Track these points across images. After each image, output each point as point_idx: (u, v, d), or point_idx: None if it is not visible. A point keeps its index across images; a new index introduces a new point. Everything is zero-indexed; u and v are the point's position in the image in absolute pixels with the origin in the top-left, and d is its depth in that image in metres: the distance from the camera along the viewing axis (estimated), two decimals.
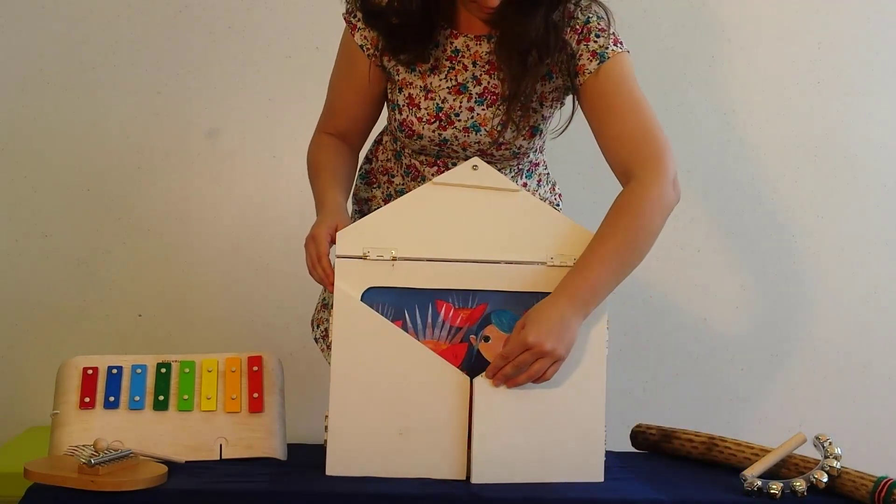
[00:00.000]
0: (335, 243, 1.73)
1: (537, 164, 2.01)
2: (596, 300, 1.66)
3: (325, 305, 2.03)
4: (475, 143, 1.89)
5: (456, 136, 1.89)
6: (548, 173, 2.06)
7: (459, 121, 1.88)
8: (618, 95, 1.81)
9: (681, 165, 2.74)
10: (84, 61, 2.65)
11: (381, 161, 2.03)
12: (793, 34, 2.74)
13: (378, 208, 2.03)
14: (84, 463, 1.54)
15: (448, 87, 1.88)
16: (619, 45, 1.83)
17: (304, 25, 2.66)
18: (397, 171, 2.00)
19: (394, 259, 1.69)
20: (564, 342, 1.61)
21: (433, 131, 1.88)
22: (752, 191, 2.76)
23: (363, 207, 2.07)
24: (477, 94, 1.87)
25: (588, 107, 1.84)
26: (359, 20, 1.89)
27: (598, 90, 1.81)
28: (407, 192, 1.97)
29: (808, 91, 2.75)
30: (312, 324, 2.04)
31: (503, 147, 1.88)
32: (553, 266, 1.70)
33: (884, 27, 2.75)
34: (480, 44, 1.87)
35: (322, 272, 1.72)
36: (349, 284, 1.67)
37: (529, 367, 1.61)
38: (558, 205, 2.07)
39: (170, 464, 1.65)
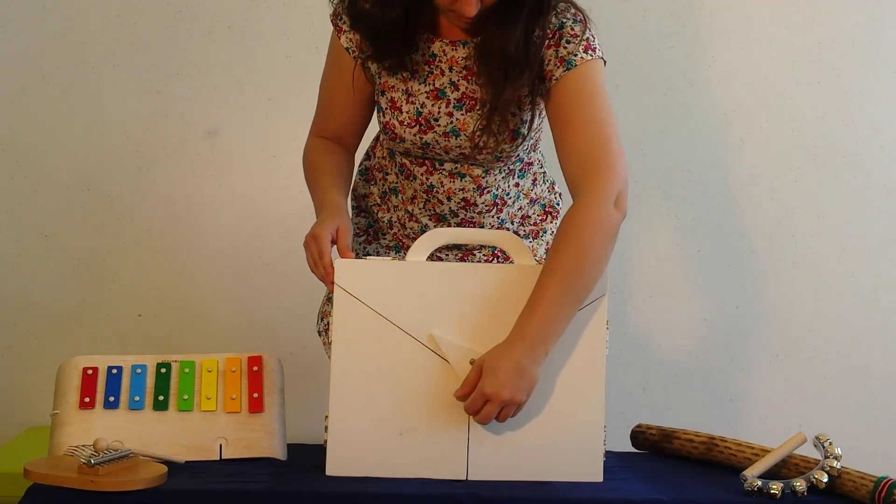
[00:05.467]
0: (335, 244, 1.73)
1: (531, 164, 1.99)
2: (551, 337, 1.61)
3: (330, 299, 2.02)
4: (456, 147, 1.87)
5: (437, 140, 1.87)
6: (544, 172, 2.04)
7: (439, 125, 1.86)
8: (576, 106, 1.75)
9: (681, 165, 2.79)
10: (84, 61, 2.65)
11: (378, 158, 2.03)
12: (793, 34, 2.74)
13: (374, 204, 2.03)
14: (84, 463, 1.54)
15: (426, 92, 1.86)
16: (590, 52, 1.77)
17: (304, 25, 2.66)
18: (391, 169, 2.00)
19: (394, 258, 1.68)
20: (522, 388, 1.60)
21: (414, 135, 1.87)
22: (753, 191, 2.76)
23: (361, 203, 2.07)
24: (455, 99, 1.86)
25: (550, 115, 1.80)
26: (345, 23, 1.89)
27: (559, 99, 1.77)
28: (400, 190, 1.97)
29: (808, 91, 2.75)
30: (318, 315, 2.04)
31: (485, 151, 1.87)
32: None
33: (884, 27, 2.75)
34: (456, 49, 1.85)
35: (323, 271, 1.71)
36: (349, 284, 1.67)
37: (497, 416, 1.62)
38: (558, 203, 2.07)
39: (170, 464, 1.64)
